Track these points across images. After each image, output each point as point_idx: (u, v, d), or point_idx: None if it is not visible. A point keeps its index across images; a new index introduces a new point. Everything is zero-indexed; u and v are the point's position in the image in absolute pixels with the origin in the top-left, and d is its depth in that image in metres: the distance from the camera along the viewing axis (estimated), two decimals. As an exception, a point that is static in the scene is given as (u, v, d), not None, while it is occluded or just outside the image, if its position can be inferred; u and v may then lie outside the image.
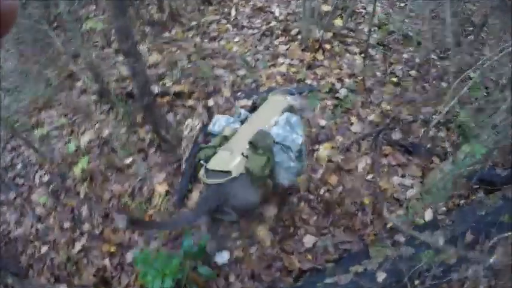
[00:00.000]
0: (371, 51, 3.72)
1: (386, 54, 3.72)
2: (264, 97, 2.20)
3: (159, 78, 3.47)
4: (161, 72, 3.51)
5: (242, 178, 1.68)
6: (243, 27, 4.09)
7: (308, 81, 3.23)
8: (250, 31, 3.99)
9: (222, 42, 3.84)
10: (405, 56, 3.83)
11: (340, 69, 3.44)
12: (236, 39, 3.87)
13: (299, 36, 3.81)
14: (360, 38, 3.87)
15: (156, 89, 3.22)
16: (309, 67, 3.43)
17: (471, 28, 4.48)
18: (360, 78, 3.37)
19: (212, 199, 1.72)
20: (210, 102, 3.06)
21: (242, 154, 1.70)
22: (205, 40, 3.90)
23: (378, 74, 3.48)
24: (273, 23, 4.07)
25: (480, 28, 4.29)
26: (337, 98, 3.12)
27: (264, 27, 4.02)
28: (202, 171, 1.73)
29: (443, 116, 2.84)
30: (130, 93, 3.25)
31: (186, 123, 2.74)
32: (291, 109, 2.02)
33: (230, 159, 1.69)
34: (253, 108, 2.17)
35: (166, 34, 4.06)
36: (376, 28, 4.12)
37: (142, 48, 3.86)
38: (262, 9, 4.39)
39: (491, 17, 4.27)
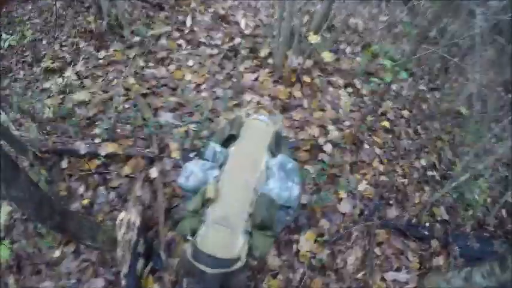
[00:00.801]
0: (357, 83, 3.06)
1: (374, 89, 3.07)
2: (239, 122, 1.65)
3: (88, 125, 2.65)
4: (92, 114, 2.68)
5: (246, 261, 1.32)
6: (199, 43, 3.26)
7: (283, 132, 2.53)
8: (209, 50, 3.18)
9: (172, 67, 3.01)
10: (394, 87, 3.21)
11: (323, 111, 2.77)
12: (190, 63, 3.05)
13: (270, 61, 3.06)
14: (344, 65, 3.18)
15: (82, 147, 2.42)
16: (284, 109, 2.72)
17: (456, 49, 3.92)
18: (346, 123, 2.72)
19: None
20: (153, 173, 2.31)
21: (245, 231, 1.31)
22: (150, 63, 3.05)
23: (368, 116, 2.84)
24: (237, 40, 3.28)
25: (466, 51, 3.73)
26: (320, 160, 2.46)
27: (225, 46, 3.22)
28: (190, 251, 1.30)
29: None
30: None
31: (120, 218, 1.99)
32: (278, 137, 1.61)
33: (232, 241, 1.28)
34: (227, 139, 1.61)
35: (103, 53, 3.16)
36: (359, 49, 3.44)
37: (71, 74, 2.97)
38: (225, 18, 3.56)
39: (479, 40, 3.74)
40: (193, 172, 1.42)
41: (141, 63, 3.03)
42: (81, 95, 2.69)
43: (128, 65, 3.02)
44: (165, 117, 2.60)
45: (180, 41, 3.26)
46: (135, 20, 3.53)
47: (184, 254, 1.34)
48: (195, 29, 3.44)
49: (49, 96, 2.93)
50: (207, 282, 1.34)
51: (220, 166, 1.48)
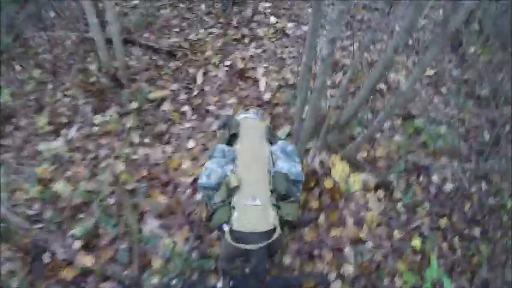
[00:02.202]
0: (391, 178, 2.48)
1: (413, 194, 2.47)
2: (236, 122, 1.92)
3: (71, 216, 2.32)
4: (75, 203, 2.35)
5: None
6: (206, 113, 2.78)
7: (285, 266, 2.06)
8: (215, 124, 2.70)
9: (169, 149, 2.57)
10: (435, 178, 2.59)
11: (342, 228, 2.23)
12: (190, 144, 2.59)
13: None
14: (380, 150, 2.59)
15: (60, 252, 2.12)
16: (293, 226, 2.21)
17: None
18: (368, 244, 2.19)
19: (262, 259, 1.52)
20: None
21: (272, 205, 1.52)
22: (146, 139, 2.64)
23: (396, 233, 2.28)
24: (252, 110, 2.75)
25: None
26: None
27: (237, 117, 2.72)
28: (229, 237, 1.46)
29: None
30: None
31: None
32: (269, 129, 1.91)
33: (265, 215, 1.48)
34: (231, 137, 1.86)
35: (99, 117, 2.80)
36: (399, 123, 2.83)
37: (63, 144, 2.65)
38: (242, 74, 3.06)
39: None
40: (212, 170, 1.59)
41: (136, 138, 2.62)
42: (63, 187, 2.35)
43: (122, 138, 2.63)
44: (151, 225, 2.20)
45: (185, 108, 2.81)
46: (140, 71, 3.12)
47: (225, 244, 1.50)
48: (206, 88, 2.96)
49: (42, 163, 2.65)
50: (255, 258, 1.48)
51: (232, 161, 1.67)
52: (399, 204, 2.40)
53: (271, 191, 1.54)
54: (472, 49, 3.65)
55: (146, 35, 3.57)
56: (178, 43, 3.39)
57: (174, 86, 2.97)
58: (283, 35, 3.45)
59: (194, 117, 2.76)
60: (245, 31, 3.46)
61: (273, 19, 3.59)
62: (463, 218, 2.52)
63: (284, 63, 3.20)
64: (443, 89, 3.30)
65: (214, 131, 2.64)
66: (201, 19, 3.64)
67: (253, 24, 3.53)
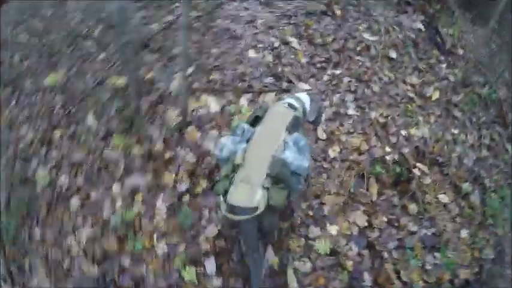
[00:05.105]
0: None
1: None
2: (265, 107, 2.03)
3: None
4: None
5: (267, 210, 1.70)
6: None
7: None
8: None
9: None
10: None
11: None
12: None
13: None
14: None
15: None
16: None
17: None
18: None
19: (250, 231, 1.77)
20: None
21: (263, 187, 1.68)
22: None
23: None
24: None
25: None
26: None
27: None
28: (224, 207, 1.69)
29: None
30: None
31: None
32: (296, 121, 1.96)
33: (252, 194, 1.66)
34: (254, 120, 1.97)
35: None
36: None
37: None
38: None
39: None
40: (225, 145, 1.78)
41: None
42: None
43: None
44: None
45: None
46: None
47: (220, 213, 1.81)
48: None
49: None
50: (243, 228, 1.75)
51: (247, 141, 1.81)
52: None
53: (267, 174, 1.66)
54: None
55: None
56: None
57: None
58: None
59: None
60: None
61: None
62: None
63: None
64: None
65: None
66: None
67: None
